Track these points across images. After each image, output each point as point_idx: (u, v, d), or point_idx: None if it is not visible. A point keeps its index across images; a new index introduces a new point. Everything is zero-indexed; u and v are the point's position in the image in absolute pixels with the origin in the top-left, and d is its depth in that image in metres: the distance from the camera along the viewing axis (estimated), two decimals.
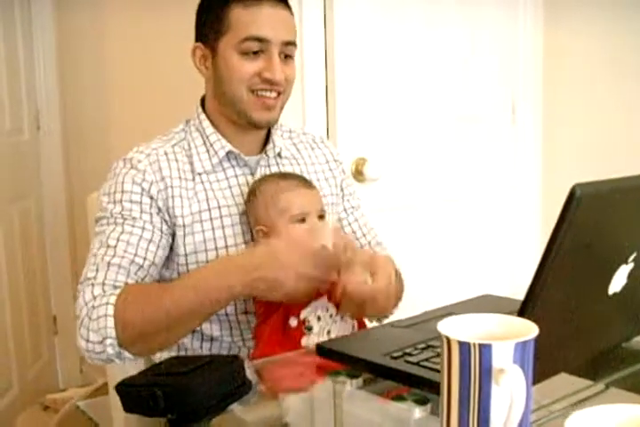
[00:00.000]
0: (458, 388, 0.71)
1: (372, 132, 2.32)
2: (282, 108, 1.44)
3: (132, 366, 1.40)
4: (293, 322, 1.28)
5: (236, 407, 0.99)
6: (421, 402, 0.97)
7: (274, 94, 1.39)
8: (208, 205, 1.39)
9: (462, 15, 2.48)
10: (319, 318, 1.29)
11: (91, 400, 2.65)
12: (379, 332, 1.24)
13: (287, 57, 1.41)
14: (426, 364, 1.03)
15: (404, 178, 2.42)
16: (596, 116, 2.57)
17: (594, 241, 0.85)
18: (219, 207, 1.40)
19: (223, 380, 0.96)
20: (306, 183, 1.40)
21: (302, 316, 1.28)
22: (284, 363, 1.21)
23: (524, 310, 0.81)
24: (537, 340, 0.70)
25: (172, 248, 1.39)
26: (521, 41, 2.65)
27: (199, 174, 1.41)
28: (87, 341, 1.25)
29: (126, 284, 1.29)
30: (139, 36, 2.65)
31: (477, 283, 2.57)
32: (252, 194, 1.39)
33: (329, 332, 1.30)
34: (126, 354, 1.25)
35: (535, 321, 0.73)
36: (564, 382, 0.99)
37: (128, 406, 0.97)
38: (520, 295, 0.97)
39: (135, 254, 1.31)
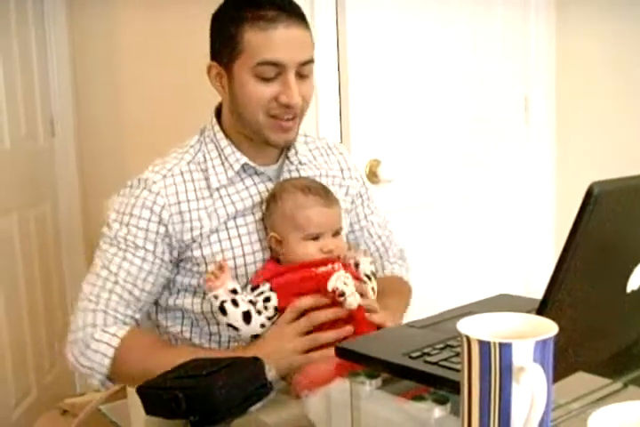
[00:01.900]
0: (478, 387, 0.71)
1: (386, 134, 2.32)
2: (299, 126, 1.42)
3: None
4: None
5: (256, 409, 0.99)
6: (441, 402, 0.98)
7: (291, 116, 1.37)
8: (227, 215, 1.40)
9: (473, 16, 2.48)
10: (346, 283, 1.28)
11: (112, 404, 2.66)
12: (397, 332, 1.24)
13: (304, 76, 1.37)
14: (445, 363, 1.03)
15: (418, 179, 2.42)
16: (609, 114, 2.57)
17: (611, 239, 0.85)
18: (235, 218, 1.40)
19: (244, 382, 0.97)
20: (327, 201, 1.38)
21: (330, 287, 1.28)
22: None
23: (543, 308, 0.81)
24: (555, 338, 0.71)
25: (188, 259, 1.40)
26: (533, 40, 2.65)
27: (217, 189, 1.41)
28: (76, 360, 1.34)
29: (126, 316, 1.36)
30: (152, 41, 2.66)
31: (492, 282, 2.57)
32: (273, 199, 1.39)
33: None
34: (109, 384, 1.35)
35: (553, 320, 0.73)
36: (583, 380, 0.99)
37: (150, 409, 0.98)
38: (535, 294, 0.97)
39: (134, 285, 1.36)
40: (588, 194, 0.76)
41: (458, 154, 2.51)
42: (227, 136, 1.44)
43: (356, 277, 1.36)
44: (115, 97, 2.98)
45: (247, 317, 1.28)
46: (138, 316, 1.39)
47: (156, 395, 0.96)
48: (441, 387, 0.99)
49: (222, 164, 1.42)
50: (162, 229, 1.36)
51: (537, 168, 2.73)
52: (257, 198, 1.42)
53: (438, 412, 0.97)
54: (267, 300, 1.30)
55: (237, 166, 1.41)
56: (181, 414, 0.93)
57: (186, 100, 2.42)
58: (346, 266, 1.36)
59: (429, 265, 2.34)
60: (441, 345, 1.10)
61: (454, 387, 0.85)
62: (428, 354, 1.07)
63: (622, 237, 0.88)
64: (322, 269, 1.31)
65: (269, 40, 1.31)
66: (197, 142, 1.46)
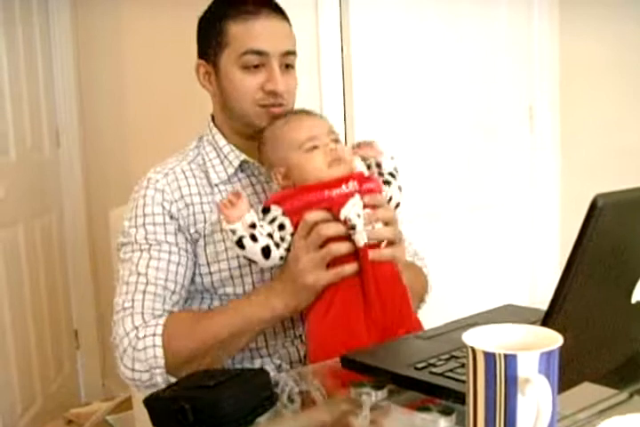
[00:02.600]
0: (484, 398, 0.72)
1: (390, 144, 2.32)
2: None
3: None
4: None
5: (262, 420, 0.99)
6: (446, 413, 0.97)
7: (278, 103, 1.39)
8: None
9: (476, 24, 2.49)
10: (359, 216, 1.25)
11: (118, 415, 2.66)
12: (402, 343, 1.24)
13: (288, 66, 1.42)
14: (450, 374, 1.03)
15: (423, 188, 2.42)
16: (614, 122, 2.57)
17: (616, 250, 0.86)
18: None
19: (250, 393, 0.97)
20: (310, 113, 1.39)
21: (342, 216, 1.24)
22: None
23: (548, 319, 0.82)
24: (560, 349, 0.71)
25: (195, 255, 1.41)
26: (537, 46, 2.66)
27: (216, 185, 1.43)
28: (133, 370, 1.28)
29: (164, 310, 1.33)
30: (158, 51, 2.67)
31: (496, 292, 2.57)
32: (261, 143, 1.38)
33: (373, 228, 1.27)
34: (172, 379, 1.28)
35: (558, 331, 0.73)
36: (588, 391, 0.99)
37: (156, 421, 0.98)
38: (540, 304, 0.97)
39: (166, 280, 1.35)
40: (593, 206, 0.77)
41: (462, 163, 2.52)
42: (224, 137, 1.47)
43: (378, 189, 1.32)
44: (119, 108, 2.99)
45: (267, 252, 1.26)
46: (176, 309, 1.36)
47: (162, 406, 0.97)
48: (446, 398, 0.99)
49: (222, 162, 1.45)
50: (174, 223, 1.38)
51: (542, 177, 2.73)
52: (254, 199, 1.43)
53: (444, 423, 0.97)
54: (281, 227, 1.27)
55: (237, 162, 1.44)
56: (188, 425, 0.94)
57: (191, 110, 2.43)
58: (363, 181, 1.30)
59: (434, 275, 2.34)
60: (446, 356, 1.10)
61: (460, 398, 0.86)
62: (434, 365, 1.07)
63: (627, 249, 0.88)
64: (336, 191, 1.26)
65: (252, 30, 1.36)
66: (196, 148, 1.50)
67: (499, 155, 2.63)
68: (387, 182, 1.38)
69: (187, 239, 1.39)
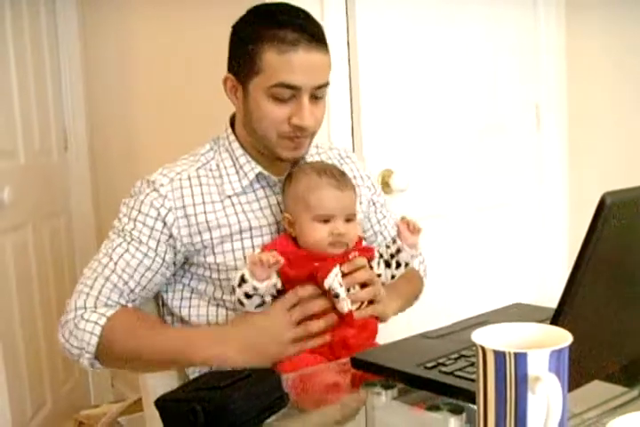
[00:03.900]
0: (494, 397, 0.72)
1: (398, 144, 2.33)
2: (310, 143, 1.44)
3: (165, 384, 1.43)
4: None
5: (273, 420, 1.00)
6: (456, 412, 0.98)
7: (302, 136, 1.38)
8: (240, 227, 1.40)
9: (482, 21, 2.49)
10: (341, 285, 1.30)
11: (130, 416, 2.67)
12: (411, 343, 1.24)
13: (318, 98, 1.37)
14: (460, 373, 1.03)
15: (431, 188, 2.42)
16: (623, 120, 2.56)
17: (625, 248, 0.86)
18: (250, 229, 1.41)
19: (261, 394, 0.97)
20: (340, 184, 1.37)
21: (326, 286, 1.30)
22: (318, 374, 1.22)
23: (557, 318, 0.82)
24: (570, 348, 0.71)
25: (199, 264, 1.41)
26: (543, 45, 2.65)
27: (229, 197, 1.42)
28: (66, 341, 1.36)
29: (117, 303, 1.38)
30: (165, 54, 2.68)
31: (505, 291, 2.57)
32: (288, 180, 1.40)
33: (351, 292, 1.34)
34: (97, 365, 1.37)
35: (568, 329, 0.73)
36: (598, 389, 0.99)
37: (168, 422, 0.98)
38: (548, 303, 0.97)
39: (131, 277, 1.38)
40: (601, 204, 0.77)
41: (470, 163, 2.51)
42: (241, 146, 1.45)
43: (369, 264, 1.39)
44: (127, 111, 3.00)
45: (260, 304, 1.32)
46: (130, 306, 1.40)
47: (173, 407, 0.97)
48: (456, 397, 1.00)
49: (237, 172, 1.43)
50: (166, 231, 1.38)
51: (549, 176, 2.73)
52: (267, 211, 1.43)
53: (454, 422, 0.97)
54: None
55: (252, 175, 1.42)
56: (199, 426, 0.94)
57: (199, 112, 2.44)
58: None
59: (443, 275, 2.34)
60: (455, 355, 1.11)
61: (469, 397, 0.86)
62: (443, 364, 1.07)
63: (635, 246, 0.88)
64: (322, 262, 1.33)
65: (288, 64, 1.31)
66: (210, 151, 1.47)
67: (506, 154, 2.63)
68: (386, 263, 1.43)
69: (174, 248, 1.39)
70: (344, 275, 1.32)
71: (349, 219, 1.37)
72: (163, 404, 0.98)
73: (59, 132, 3.04)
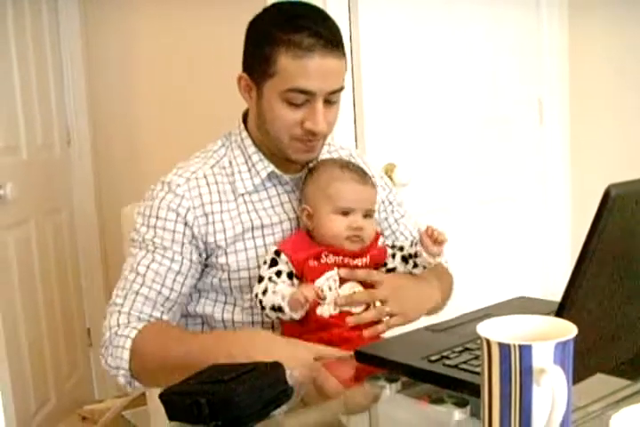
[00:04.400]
0: (499, 389, 0.72)
1: (400, 138, 2.33)
2: (322, 146, 1.43)
3: None
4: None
5: (278, 413, 1.00)
6: (461, 404, 0.98)
7: (314, 139, 1.37)
8: (252, 224, 1.40)
9: (486, 18, 2.49)
10: (330, 288, 1.30)
11: (134, 410, 2.68)
12: (415, 336, 1.24)
13: (332, 102, 1.36)
14: (464, 366, 1.03)
15: (434, 182, 2.42)
16: (623, 114, 2.56)
17: (630, 240, 0.86)
18: (262, 227, 1.40)
19: (265, 386, 0.97)
20: (362, 179, 1.37)
21: (316, 286, 1.29)
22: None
23: (562, 310, 0.82)
24: (575, 340, 0.71)
25: (212, 265, 1.40)
26: (546, 39, 2.66)
27: (242, 195, 1.41)
28: (106, 362, 1.35)
29: (151, 315, 1.35)
30: (168, 49, 2.68)
31: (509, 285, 2.57)
32: (310, 172, 1.40)
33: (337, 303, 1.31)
34: (136, 384, 1.34)
35: (572, 322, 0.73)
36: (602, 382, 0.99)
37: (172, 415, 0.98)
38: (552, 296, 0.97)
39: (162, 285, 1.36)
40: (606, 196, 0.77)
41: (472, 157, 2.51)
42: (254, 143, 1.44)
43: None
44: (129, 106, 3.00)
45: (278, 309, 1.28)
46: (165, 317, 1.37)
47: (178, 401, 0.97)
48: (461, 390, 1.00)
49: (249, 170, 1.43)
50: (188, 232, 1.37)
51: (552, 169, 2.73)
52: (279, 209, 1.43)
53: (458, 415, 0.97)
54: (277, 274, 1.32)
55: (264, 174, 1.42)
56: (204, 419, 0.94)
57: (201, 109, 2.44)
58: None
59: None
60: (460, 348, 1.11)
61: (474, 390, 0.86)
62: (447, 357, 1.07)
63: None
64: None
65: (304, 69, 1.29)
66: (222, 147, 1.47)
67: (508, 148, 2.63)
68: (403, 258, 1.42)
69: (198, 248, 1.38)
70: (342, 280, 1.32)
71: (368, 215, 1.37)
72: (167, 397, 0.98)
73: (61, 128, 3.04)
